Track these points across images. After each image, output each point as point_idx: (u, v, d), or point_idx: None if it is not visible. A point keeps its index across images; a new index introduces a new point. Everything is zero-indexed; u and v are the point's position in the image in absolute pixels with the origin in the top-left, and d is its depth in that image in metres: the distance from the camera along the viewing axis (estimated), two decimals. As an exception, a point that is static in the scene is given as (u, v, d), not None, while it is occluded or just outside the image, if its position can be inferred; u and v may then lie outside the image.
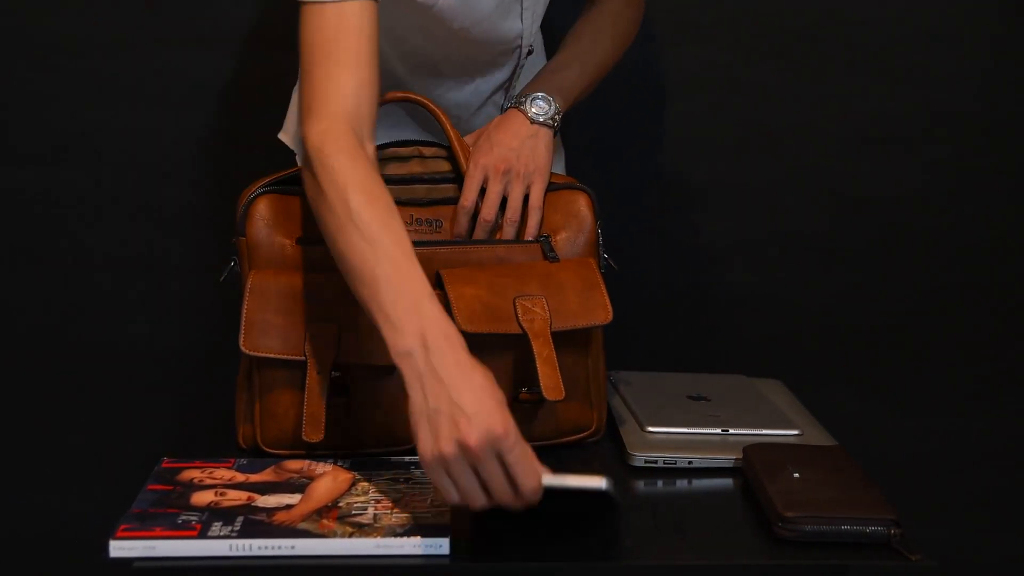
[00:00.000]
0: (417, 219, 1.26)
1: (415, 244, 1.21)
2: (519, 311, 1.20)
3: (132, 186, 1.78)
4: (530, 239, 1.28)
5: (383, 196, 1.09)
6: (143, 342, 1.82)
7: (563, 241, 1.28)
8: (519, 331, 1.19)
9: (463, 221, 1.28)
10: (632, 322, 1.33)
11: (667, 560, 1.05)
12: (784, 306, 1.85)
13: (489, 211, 1.28)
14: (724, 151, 1.81)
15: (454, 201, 1.29)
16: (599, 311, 1.22)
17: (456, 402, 0.99)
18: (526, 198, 1.29)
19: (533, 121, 1.33)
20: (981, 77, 1.80)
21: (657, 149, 1.81)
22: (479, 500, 0.99)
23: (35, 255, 1.79)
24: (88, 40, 1.71)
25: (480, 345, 1.19)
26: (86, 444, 1.84)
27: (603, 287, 1.24)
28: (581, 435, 1.27)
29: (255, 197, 1.23)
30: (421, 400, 1.00)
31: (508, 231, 1.29)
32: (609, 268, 1.30)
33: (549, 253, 1.26)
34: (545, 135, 1.33)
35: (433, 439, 0.98)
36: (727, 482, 1.20)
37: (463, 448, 0.97)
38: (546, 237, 1.28)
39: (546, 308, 1.20)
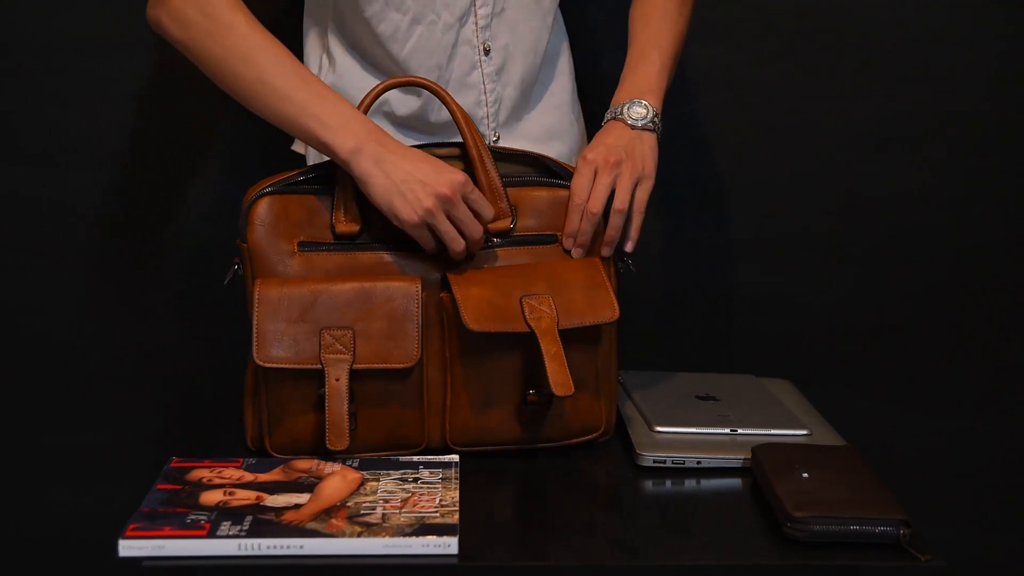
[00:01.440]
0: None
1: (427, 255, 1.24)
2: (526, 310, 1.20)
3: (139, 187, 1.78)
4: (628, 249, 1.28)
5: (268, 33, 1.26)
6: (150, 342, 1.82)
7: None
8: (526, 330, 1.19)
9: (574, 219, 1.26)
10: (640, 322, 1.33)
11: (675, 560, 1.05)
12: (792, 306, 1.84)
13: (597, 202, 1.25)
14: (732, 151, 1.80)
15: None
16: (605, 309, 1.22)
17: (418, 169, 1.20)
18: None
19: (633, 127, 1.31)
20: (989, 77, 1.79)
21: (665, 149, 1.79)
22: (459, 242, 1.20)
23: (42, 254, 1.79)
24: (93, 40, 1.71)
25: (487, 346, 1.20)
26: (95, 444, 1.84)
27: (609, 286, 1.24)
28: (590, 436, 1.27)
29: (254, 200, 1.22)
30: (384, 181, 1.19)
31: (616, 221, 1.26)
32: (627, 270, 1.29)
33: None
34: (649, 138, 1.31)
35: (411, 204, 1.18)
36: (736, 482, 1.20)
37: (440, 198, 1.18)
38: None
39: (552, 306, 1.20)
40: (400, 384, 1.20)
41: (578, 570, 1.05)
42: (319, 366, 1.17)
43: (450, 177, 1.20)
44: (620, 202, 1.26)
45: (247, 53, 1.24)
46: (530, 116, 1.46)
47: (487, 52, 1.39)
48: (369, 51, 1.39)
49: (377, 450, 1.22)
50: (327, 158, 1.24)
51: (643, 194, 1.29)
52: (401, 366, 1.18)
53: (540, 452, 1.25)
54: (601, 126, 1.34)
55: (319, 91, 1.24)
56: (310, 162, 1.46)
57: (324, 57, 1.43)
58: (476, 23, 1.38)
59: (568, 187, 1.28)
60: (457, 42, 1.38)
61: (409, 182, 1.19)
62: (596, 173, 1.27)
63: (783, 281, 1.84)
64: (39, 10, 1.70)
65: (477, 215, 1.22)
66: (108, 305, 1.81)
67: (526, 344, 1.20)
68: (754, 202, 1.82)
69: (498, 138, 1.42)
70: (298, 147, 1.51)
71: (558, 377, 1.17)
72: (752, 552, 1.06)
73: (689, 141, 1.80)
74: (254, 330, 1.17)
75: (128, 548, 1.00)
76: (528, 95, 1.45)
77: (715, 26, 1.76)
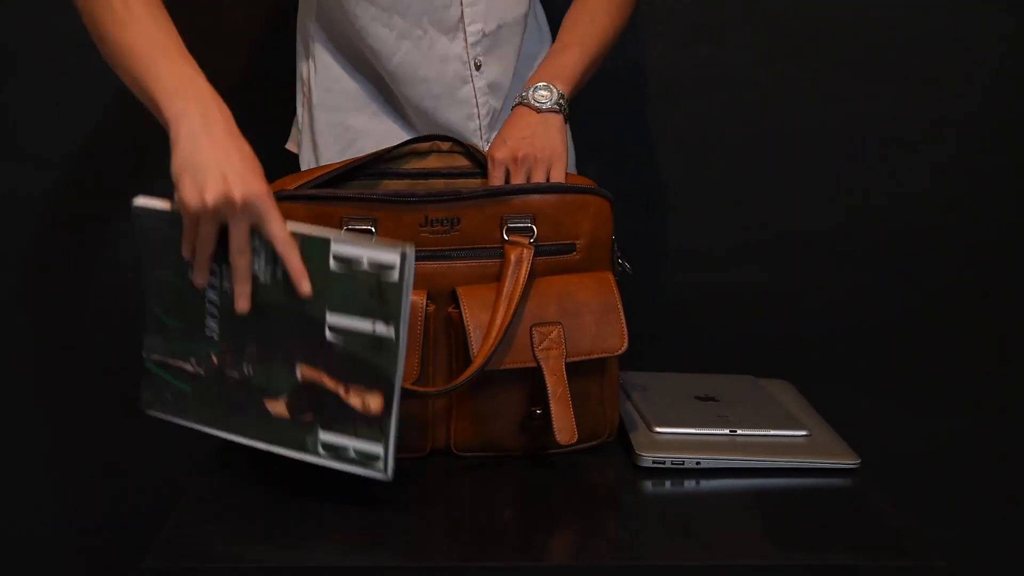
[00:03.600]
0: (432, 220, 1.21)
1: (429, 252, 1.22)
2: (535, 339, 1.20)
3: (146, 188, 1.78)
4: None
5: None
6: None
7: (582, 246, 1.25)
8: (535, 364, 1.19)
9: None
10: (640, 322, 1.32)
11: (675, 560, 1.05)
12: (792, 306, 1.85)
13: None
14: (732, 151, 1.80)
15: (474, 196, 1.23)
16: (614, 339, 1.22)
17: (227, 161, 1.07)
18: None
19: (539, 110, 1.31)
20: (990, 78, 1.80)
21: (665, 149, 1.81)
22: (207, 252, 1.09)
23: (47, 256, 1.79)
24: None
25: (496, 370, 1.19)
26: (94, 446, 1.84)
27: (620, 310, 1.23)
28: (595, 442, 1.27)
29: None
30: (190, 153, 1.08)
31: None
32: (624, 274, 1.29)
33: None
34: (555, 120, 1.31)
35: (198, 191, 1.06)
36: (735, 482, 1.20)
37: (227, 202, 1.06)
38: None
39: (562, 339, 1.20)
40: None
41: (578, 570, 1.05)
42: None
43: (252, 186, 1.07)
44: None
45: (123, 19, 1.18)
46: None
47: (478, 67, 1.40)
48: (358, 56, 1.40)
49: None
50: (342, 159, 1.24)
51: (558, 174, 1.28)
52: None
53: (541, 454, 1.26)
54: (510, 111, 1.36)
55: (173, 55, 1.16)
56: (302, 161, 1.46)
57: (310, 61, 1.44)
58: (466, 39, 1.39)
59: (583, 190, 1.26)
60: (448, 58, 1.39)
61: (208, 170, 1.07)
62: (508, 171, 1.27)
63: (783, 282, 1.84)
64: (45, 9, 1.71)
65: (268, 234, 1.08)
66: (113, 306, 1.81)
67: (535, 369, 1.20)
68: (754, 203, 1.82)
69: None
70: (291, 146, 1.52)
71: (562, 423, 1.18)
72: (752, 552, 1.06)
73: (689, 142, 1.80)
74: None
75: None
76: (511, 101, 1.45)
77: (714, 27, 1.76)
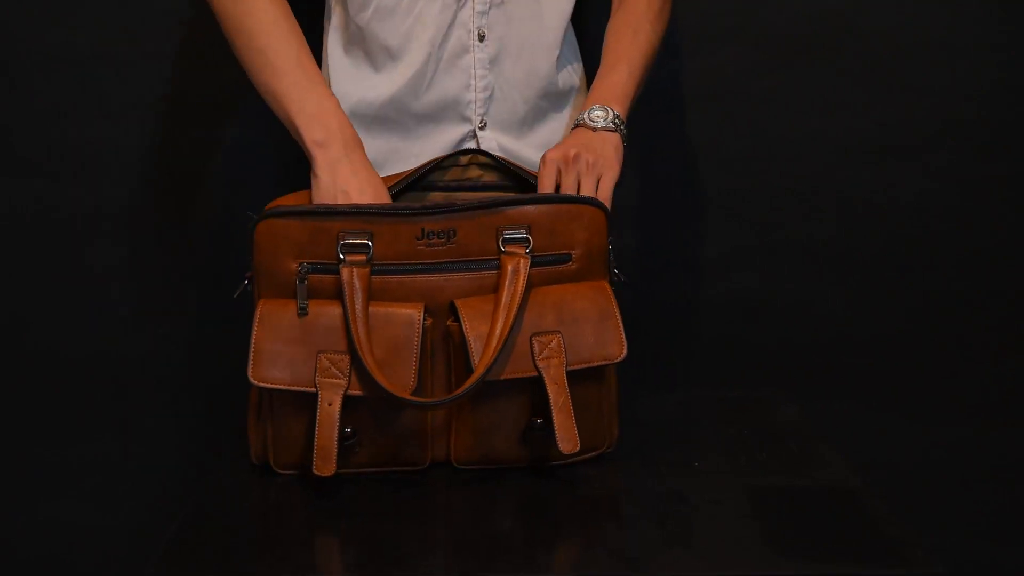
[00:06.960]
0: (429, 232, 1.22)
1: (426, 265, 1.22)
2: (535, 348, 1.20)
3: (154, 198, 1.78)
4: None
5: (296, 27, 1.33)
6: (161, 354, 1.83)
7: (578, 256, 1.26)
8: (535, 374, 1.19)
9: None
10: (635, 331, 1.33)
11: (676, 571, 1.05)
12: (789, 316, 1.84)
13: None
14: (730, 160, 1.81)
15: (470, 207, 1.23)
16: (613, 346, 1.22)
17: (361, 190, 1.25)
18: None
19: (595, 129, 1.35)
20: (987, 86, 1.80)
21: (662, 158, 1.81)
22: None
23: (53, 266, 1.79)
24: (102, 53, 1.72)
25: (496, 381, 1.19)
26: (96, 455, 1.84)
27: (618, 317, 1.23)
28: (595, 453, 1.27)
29: (259, 221, 1.20)
30: (330, 185, 1.25)
31: None
32: (620, 283, 1.30)
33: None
34: (611, 138, 1.35)
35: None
36: (736, 491, 1.20)
37: None
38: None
39: (562, 347, 1.20)
40: (399, 409, 1.19)
41: (577, 582, 1.05)
42: (313, 389, 1.16)
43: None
44: (586, 193, 1.30)
45: (262, 24, 1.31)
46: (529, 138, 1.48)
47: (481, 39, 1.42)
48: (365, 37, 1.42)
49: (380, 467, 1.22)
50: None
51: (607, 184, 1.32)
52: (395, 395, 1.16)
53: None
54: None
55: (311, 78, 1.30)
56: None
57: (324, 56, 1.47)
58: (474, 8, 1.41)
59: (578, 201, 1.27)
60: (453, 23, 1.41)
61: (349, 195, 1.25)
62: (559, 172, 1.30)
63: (780, 291, 1.84)
64: (47, 23, 1.71)
65: None
66: (118, 317, 1.82)
67: (535, 380, 1.20)
68: (750, 212, 1.82)
69: (484, 124, 1.44)
70: None
71: (565, 432, 1.18)
72: (752, 562, 1.06)
73: (687, 150, 1.81)
74: (252, 349, 1.17)
75: None
76: (533, 110, 1.46)
77: (712, 36, 1.77)
